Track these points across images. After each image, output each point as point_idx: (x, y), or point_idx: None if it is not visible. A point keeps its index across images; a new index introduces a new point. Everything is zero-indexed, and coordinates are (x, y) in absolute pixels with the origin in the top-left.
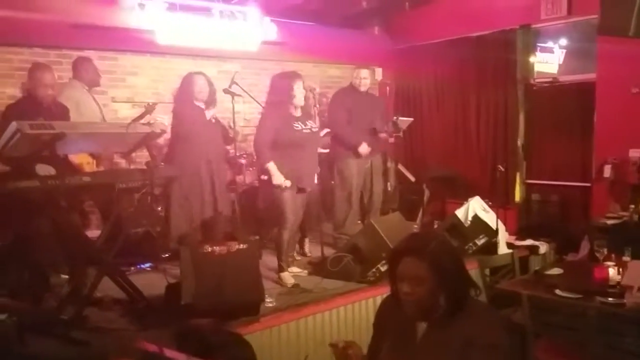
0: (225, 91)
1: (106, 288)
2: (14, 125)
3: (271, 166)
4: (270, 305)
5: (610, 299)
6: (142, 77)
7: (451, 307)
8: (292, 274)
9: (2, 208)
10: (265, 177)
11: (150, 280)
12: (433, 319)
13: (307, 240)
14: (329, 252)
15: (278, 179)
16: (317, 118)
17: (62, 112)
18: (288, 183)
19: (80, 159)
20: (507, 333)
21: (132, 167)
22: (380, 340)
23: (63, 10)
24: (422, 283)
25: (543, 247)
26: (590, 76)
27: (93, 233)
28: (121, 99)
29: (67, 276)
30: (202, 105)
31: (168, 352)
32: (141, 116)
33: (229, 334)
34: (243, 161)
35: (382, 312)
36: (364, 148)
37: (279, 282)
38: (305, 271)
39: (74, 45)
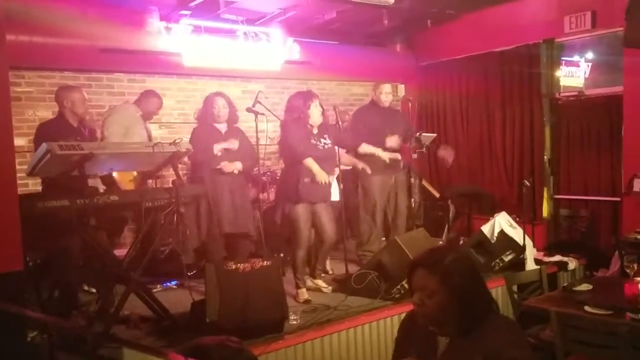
0: (249, 110)
1: (133, 306)
2: (44, 146)
3: (310, 162)
4: (295, 322)
5: None
6: (169, 99)
7: (466, 323)
8: (312, 289)
9: (33, 227)
10: (307, 180)
11: (176, 297)
12: (453, 333)
13: (328, 257)
14: (352, 269)
15: (320, 175)
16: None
17: (91, 132)
18: (331, 179)
19: (122, 177)
20: (530, 348)
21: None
22: (401, 355)
23: (92, 35)
24: (432, 296)
25: (572, 263)
26: (618, 89)
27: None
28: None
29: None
30: (222, 126)
31: None
32: None
33: (236, 352)
34: (265, 179)
35: (405, 328)
36: (392, 141)
37: (296, 298)
38: (330, 287)
39: (103, 68)
